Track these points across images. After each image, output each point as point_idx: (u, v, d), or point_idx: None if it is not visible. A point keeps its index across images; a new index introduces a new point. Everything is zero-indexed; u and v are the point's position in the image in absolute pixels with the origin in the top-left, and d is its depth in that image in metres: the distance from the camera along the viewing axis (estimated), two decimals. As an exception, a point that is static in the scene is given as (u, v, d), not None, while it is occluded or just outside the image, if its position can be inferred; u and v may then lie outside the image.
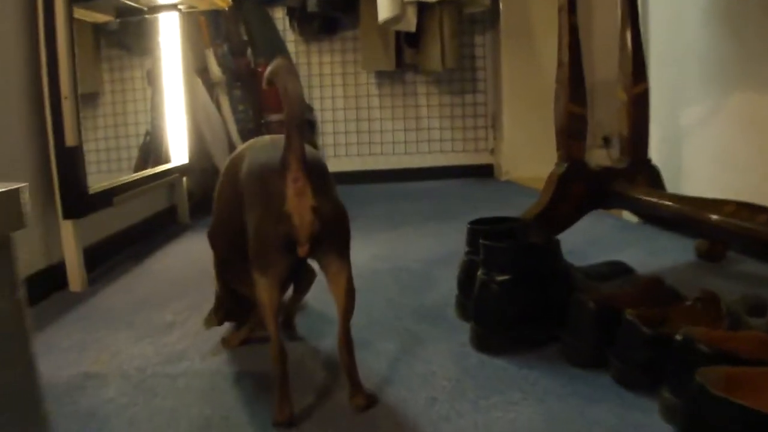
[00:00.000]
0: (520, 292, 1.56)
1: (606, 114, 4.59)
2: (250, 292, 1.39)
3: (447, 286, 2.09)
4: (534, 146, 4.44)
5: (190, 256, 2.65)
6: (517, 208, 3.59)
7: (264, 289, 1.25)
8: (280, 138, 1.29)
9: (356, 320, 1.32)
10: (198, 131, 3.50)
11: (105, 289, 2.27)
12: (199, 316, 1.83)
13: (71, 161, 2.13)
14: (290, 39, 4.43)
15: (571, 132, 2.07)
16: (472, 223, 1.78)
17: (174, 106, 3.28)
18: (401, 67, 4.43)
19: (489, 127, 4.67)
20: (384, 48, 4.27)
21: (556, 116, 2.11)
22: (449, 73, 4.51)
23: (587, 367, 1.45)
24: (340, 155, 4.56)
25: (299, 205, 1.22)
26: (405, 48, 4.34)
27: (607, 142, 4.57)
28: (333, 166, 4.41)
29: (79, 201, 2.17)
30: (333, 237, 1.27)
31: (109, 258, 2.64)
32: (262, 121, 3.71)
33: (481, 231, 1.71)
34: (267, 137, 1.48)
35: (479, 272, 1.59)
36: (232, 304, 1.67)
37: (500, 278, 1.56)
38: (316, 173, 1.26)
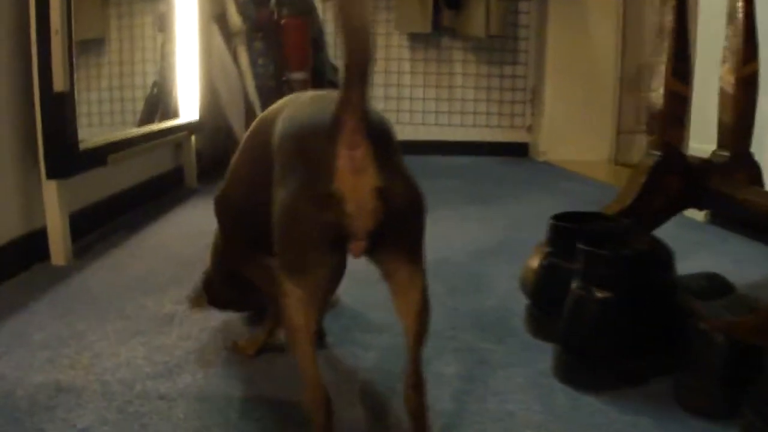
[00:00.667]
0: (627, 313, 1.20)
1: (653, 96, 4.23)
2: (259, 278, 1.21)
3: (504, 288, 1.73)
4: (576, 126, 4.09)
5: (197, 228, 2.27)
6: (564, 195, 3.28)
7: (297, 305, 0.87)
8: (331, 94, 0.92)
9: (398, 329, 0.96)
10: (212, 85, 3.15)
11: (92, 264, 1.91)
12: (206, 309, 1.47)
13: (59, 110, 1.76)
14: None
15: (670, 114, 1.69)
16: (556, 218, 1.41)
17: (186, 56, 2.99)
18: (438, 30, 4.04)
19: (527, 102, 4.30)
20: (420, 7, 3.90)
21: (652, 94, 1.73)
22: (489, 41, 4.13)
23: (711, 416, 1.12)
24: (364, 122, 4.18)
25: (356, 184, 0.84)
26: (443, 9, 3.97)
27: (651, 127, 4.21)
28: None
29: (66, 158, 1.81)
30: (403, 232, 0.90)
31: (100, 227, 2.28)
32: (284, 79, 3.34)
33: (571, 230, 1.34)
34: (313, 92, 1.09)
35: (574, 285, 1.23)
36: (233, 292, 1.34)
37: (601, 295, 1.19)
38: (383, 140, 0.89)
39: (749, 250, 2.17)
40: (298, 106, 1.00)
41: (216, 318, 1.51)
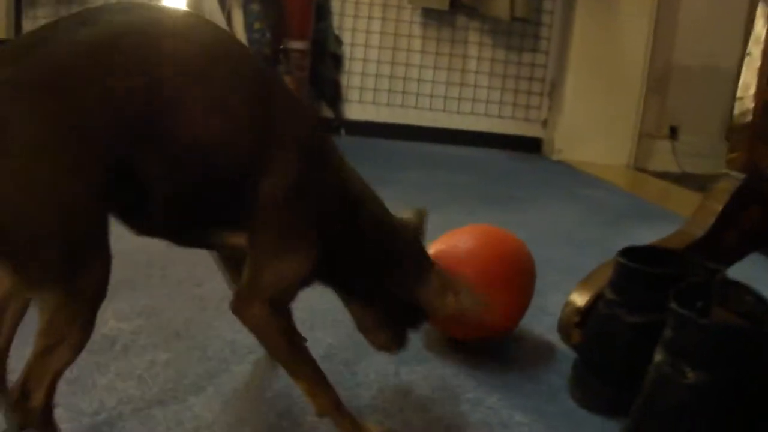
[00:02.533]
0: (729, 402, 0.87)
1: (679, 101, 3.92)
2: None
3: (534, 328, 1.39)
4: (598, 125, 3.77)
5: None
6: (587, 203, 2.92)
7: None
8: None
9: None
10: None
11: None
12: (177, 348, 1.12)
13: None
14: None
15: (761, 129, 1.35)
16: (624, 254, 1.07)
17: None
18: (454, 8, 3.69)
19: (545, 95, 3.96)
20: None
21: (741, 104, 1.39)
22: (508, 25, 3.78)
23: None
24: (365, 102, 3.82)
25: None
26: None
27: (674, 132, 3.90)
28: (356, 113, 3.73)
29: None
30: None
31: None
32: (281, 47, 2.98)
33: (649, 276, 1.01)
34: None
35: (658, 357, 0.90)
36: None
37: (696, 378, 0.86)
38: None
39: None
40: None
41: (170, 341, 1.17)
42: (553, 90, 3.93)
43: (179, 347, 1.18)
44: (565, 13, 3.84)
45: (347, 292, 1.03)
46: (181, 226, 0.89)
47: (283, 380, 1.07)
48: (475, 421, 1.03)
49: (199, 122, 0.82)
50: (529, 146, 3.94)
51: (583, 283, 1.24)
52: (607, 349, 1.05)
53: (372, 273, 0.99)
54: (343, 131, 3.48)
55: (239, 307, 0.90)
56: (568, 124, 3.81)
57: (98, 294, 0.78)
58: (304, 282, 0.94)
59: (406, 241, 1.02)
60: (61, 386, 0.99)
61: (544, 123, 3.98)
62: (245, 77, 0.87)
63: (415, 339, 1.23)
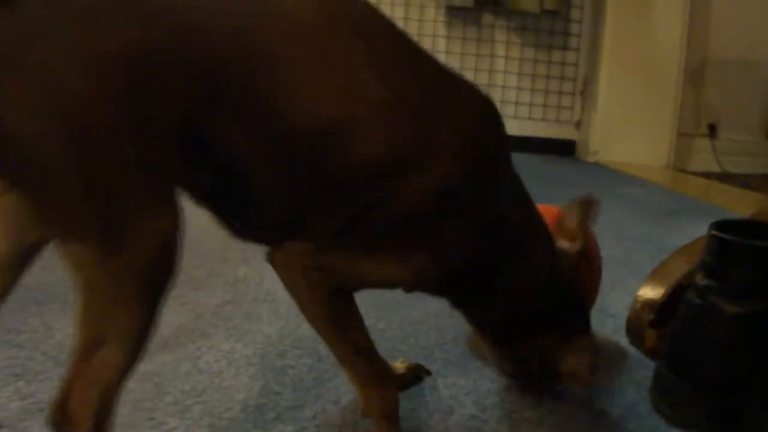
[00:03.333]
0: None
1: (717, 96, 3.69)
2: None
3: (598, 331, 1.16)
4: (633, 124, 3.55)
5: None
6: (627, 201, 2.66)
7: None
8: None
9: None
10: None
11: None
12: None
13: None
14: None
15: None
16: (718, 226, 0.84)
17: None
18: (480, 5, 3.49)
19: (577, 94, 3.73)
20: (462, -24, 3.34)
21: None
22: (536, 21, 3.58)
23: None
24: (390, 105, 3.62)
25: None
26: (489, -20, 3.41)
27: (713, 130, 3.67)
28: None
29: None
30: None
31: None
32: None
33: (759, 252, 0.78)
34: None
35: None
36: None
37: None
38: None
39: None
40: None
41: (160, 358, 0.96)
42: (586, 89, 3.72)
43: (165, 358, 0.96)
44: (595, 8, 3.63)
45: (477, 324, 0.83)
46: (282, 226, 0.69)
47: (289, 400, 0.86)
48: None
49: (305, 92, 0.62)
50: (562, 148, 3.72)
51: (655, 275, 1.02)
52: (702, 349, 0.82)
53: (513, 323, 0.80)
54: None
55: (281, 258, 0.70)
56: (603, 124, 3.58)
57: (154, 269, 0.58)
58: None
59: (563, 292, 0.82)
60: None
61: (578, 124, 3.76)
62: (384, 46, 0.67)
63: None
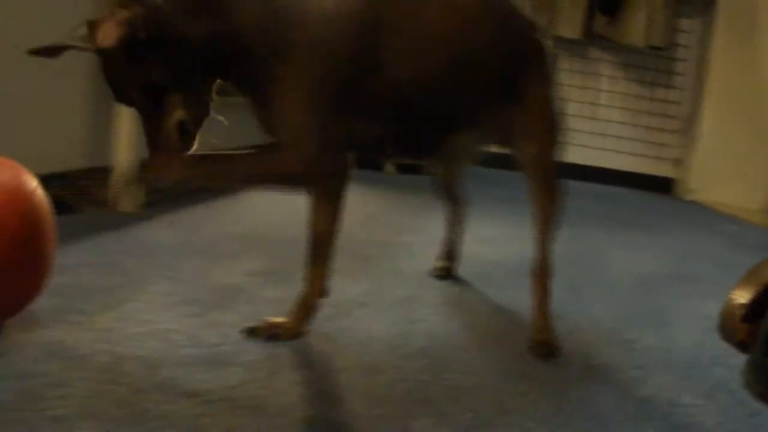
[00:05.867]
0: None
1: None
2: None
3: (688, 325, 1.25)
4: (735, 165, 3.55)
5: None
6: (725, 235, 2.73)
7: None
8: None
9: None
10: None
11: (162, 217, 1.54)
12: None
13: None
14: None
15: None
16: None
17: None
18: (587, 38, 3.57)
19: (679, 132, 3.76)
20: (572, 9, 3.45)
21: None
22: (641, 58, 3.64)
23: None
24: (492, 132, 3.72)
25: None
26: (597, 14, 3.48)
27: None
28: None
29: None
30: None
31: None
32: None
33: None
34: None
35: None
36: None
37: None
38: None
39: None
40: None
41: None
42: (688, 127, 3.74)
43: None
44: (701, 47, 3.68)
45: None
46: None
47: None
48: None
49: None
50: (660, 186, 3.75)
51: (746, 277, 1.10)
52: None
53: None
54: (476, 162, 3.41)
55: None
56: (703, 163, 3.60)
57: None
58: None
59: None
60: (182, 318, 0.92)
61: (678, 162, 3.79)
62: None
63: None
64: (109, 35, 0.84)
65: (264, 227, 1.61)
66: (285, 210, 1.75)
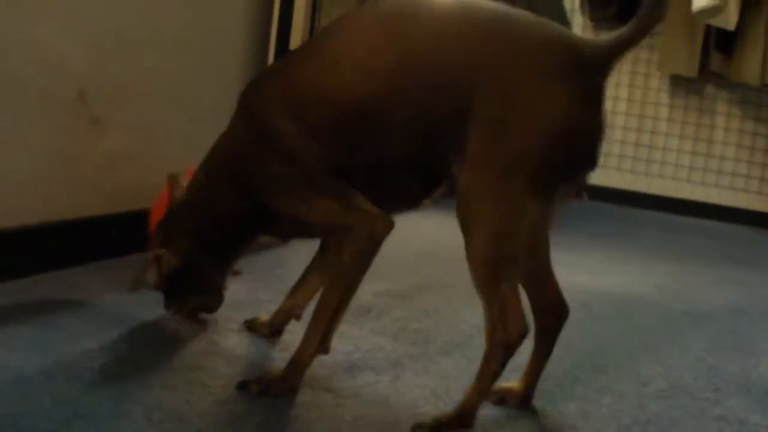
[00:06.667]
0: None
1: None
2: None
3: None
4: None
5: (443, 225, 2.06)
6: None
7: None
8: None
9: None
10: None
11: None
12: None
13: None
14: (577, 23, 3.77)
15: None
16: None
17: None
18: (703, 76, 3.63)
19: (795, 170, 3.76)
20: (688, 48, 3.53)
21: None
22: (758, 95, 3.67)
23: None
24: (610, 167, 3.81)
25: None
26: (713, 52, 3.55)
27: None
28: (599, 178, 3.73)
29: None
30: None
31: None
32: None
33: None
34: None
35: None
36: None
37: None
38: None
39: None
40: None
41: (419, 318, 1.29)
42: (803, 165, 3.74)
43: (428, 322, 1.29)
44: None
45: None
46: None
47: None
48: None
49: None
50: (774, 224, 3.75)
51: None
52: None
53: None
54: (585, 195, 3.52)
55: None
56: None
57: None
58: None
59: None
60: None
61: (793, 200, 3.78)
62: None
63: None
64: (151, 279, 1.08)
65: (390, 253, 1.82)
66: (409, 237, 1.96)
